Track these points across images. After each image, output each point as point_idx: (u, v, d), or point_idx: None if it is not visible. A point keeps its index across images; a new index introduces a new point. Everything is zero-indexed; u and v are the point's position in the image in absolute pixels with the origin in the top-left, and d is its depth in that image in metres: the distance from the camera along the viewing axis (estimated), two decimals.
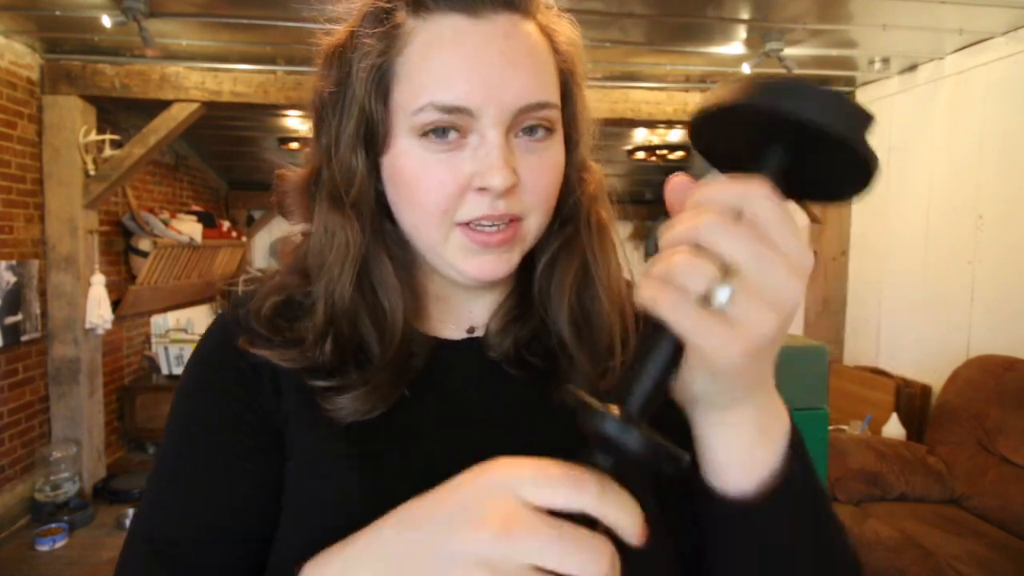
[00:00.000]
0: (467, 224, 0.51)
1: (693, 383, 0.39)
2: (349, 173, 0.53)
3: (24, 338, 3.38)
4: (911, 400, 3.25)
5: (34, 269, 3.46)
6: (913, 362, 3.46)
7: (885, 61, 3.47)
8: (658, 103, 3.85)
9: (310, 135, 0.58)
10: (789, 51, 3.18)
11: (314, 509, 0.51)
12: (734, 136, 0.39)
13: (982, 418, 2.67)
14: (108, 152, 3.63)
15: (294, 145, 4.82)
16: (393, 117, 0.51)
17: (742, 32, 3.08)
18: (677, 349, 0.36)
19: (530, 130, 0.51)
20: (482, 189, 0.49)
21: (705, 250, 0.35)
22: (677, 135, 5.07)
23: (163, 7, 2.82)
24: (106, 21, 2.75)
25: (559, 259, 0.58)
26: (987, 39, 3.04)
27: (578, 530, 0.34)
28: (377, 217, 0.55)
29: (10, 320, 3.28)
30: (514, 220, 0.52)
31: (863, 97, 3.92)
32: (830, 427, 2.26)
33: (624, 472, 0.36)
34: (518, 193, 0.51)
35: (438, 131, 0.49)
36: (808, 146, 0.36)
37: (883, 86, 3.75)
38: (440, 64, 0.49)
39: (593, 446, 0.36)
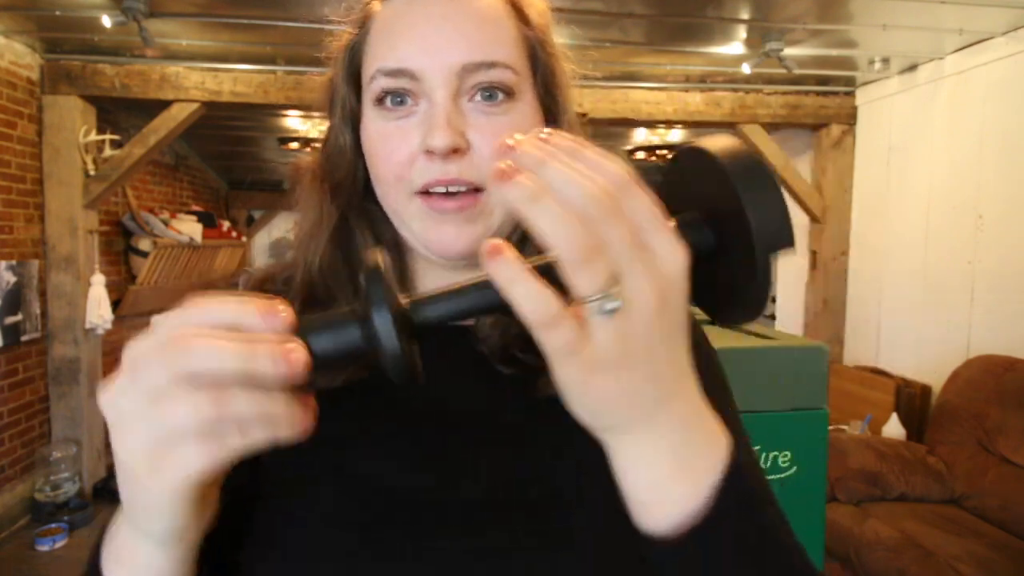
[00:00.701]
0: (424, 192, 0.51)
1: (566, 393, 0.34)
2: (339, 153, 0.56)
3: (24, 338, 3.38)
4: (911, 400, 3.25)
5: (34, 269, 3.46)
6: (913, 362, 3.46)
7: (885, 61, 3.47)
8: (658, 103, 3.85)
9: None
10: (789, 51, 3.18)
11: (285, 494, 0.49)
12: (696, 187, 0.37)
13: (982, 418, 2.67)
14: (108, 152, 3.63)
15: (294, 145, 4.82)
16: (362, 93, 0.54)
17: (742, 32, 3.08)
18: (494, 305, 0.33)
19: (488, 95, 0.50)
20: (429, 152, 0.49)
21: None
22: (677, 135, 5.07)
23: (163, 7, 2.82)
24: (106, 21, 2.75)
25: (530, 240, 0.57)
26: (987, 39, 3.04)
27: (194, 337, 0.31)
28: (361, 197, 0.57)
29: (10, 320, 3.28)
30: (475, 190, 0.50)
31: (863, 97, 3.92)
32: (830, 427, 2.25)
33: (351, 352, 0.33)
34: (472, 159, 0.50)
35: (393, 98, 0.51)
36: (725, 244, 0.35)
37: (883, 86, 3.75)
38: (390, 32, 0.51)
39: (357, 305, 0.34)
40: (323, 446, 0.43)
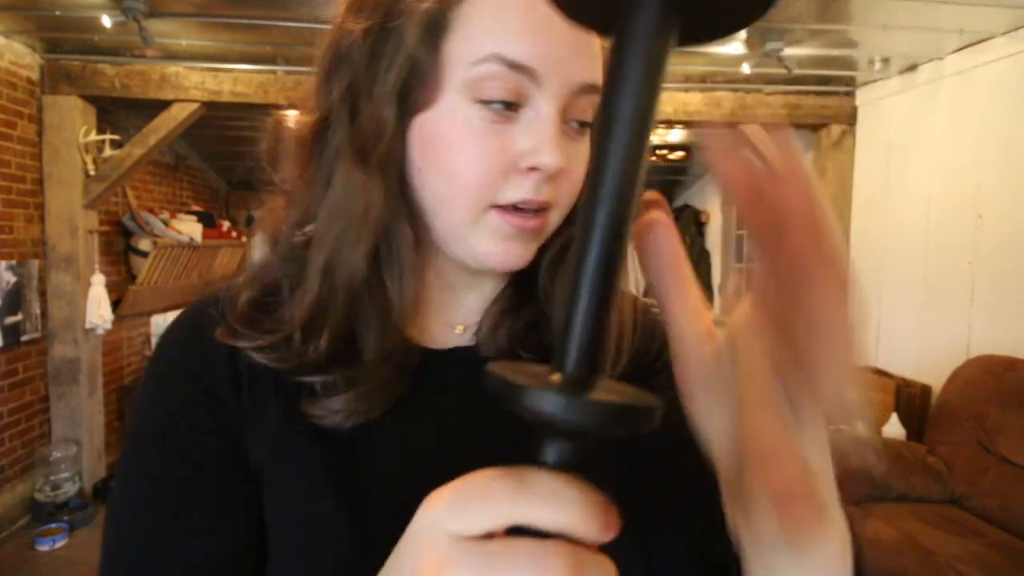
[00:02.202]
0: (503, 207, 0.46)
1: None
2: (379, 128, 0.46)
3: (24, 338, 3.38)
4: (911, 400, 3.24)
5: (34, 269, 3.46)
6: (913, 362, 3.46)
7: (885, 61, 3.47)
8: None
9: (316, 83, 0.50)
10: (789, 51, 3.18)
11: (298, 543, 0.47)
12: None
13: (982, 418, 2.67)
14: (108, 152, 3.63)
15: None
16: (443, 70, 0.45)
17: (742, 32, 3.08)
18: (611, 269, 0.26)
19: (580, 124, 0.48)
20: (532, 169, 0.45)
21: None
22: (677, 135, 5.07)
23: (163, 7, 2.82)
24: (106, 21, 2.75)
25: (567, 256, 0.55)
26: (987, 39, 3.04)
27: (515, 548, 0.25)
28: (400, 183, 0.48)
29: (10, 320, 3.28)
30: (544, 208, 0.48)
31: (863, 97, 3.92)
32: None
33: (581, 456, 0.27)
34: (558, 182, 0.47)
35: (497, 104, 0.45)
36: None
37: (883, 86, 3.75)
38: (511, 17, 0.44)
39: (537, 433, 0.27)
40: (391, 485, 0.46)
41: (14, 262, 3.31)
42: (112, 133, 3.70)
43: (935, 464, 2.72)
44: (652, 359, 0.56)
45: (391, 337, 0.48)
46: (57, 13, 2.92)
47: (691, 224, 6.13)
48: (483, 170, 0.45)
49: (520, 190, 0.46)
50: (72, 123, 3.52)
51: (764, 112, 3.92)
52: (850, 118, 3.98)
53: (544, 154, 0.44)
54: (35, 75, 3.45)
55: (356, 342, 0.48)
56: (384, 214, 0.47)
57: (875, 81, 3.79)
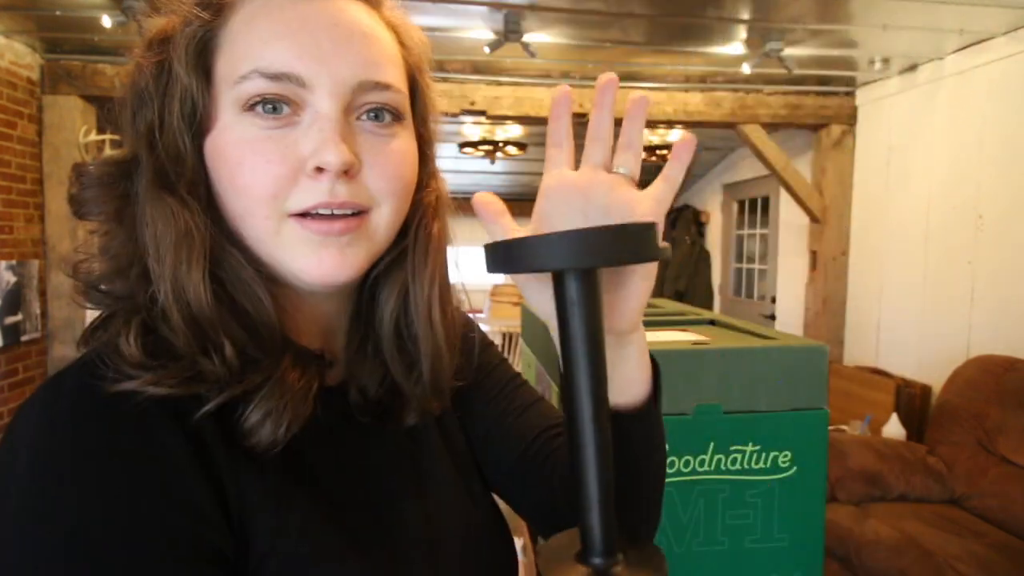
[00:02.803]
0: (302, 215, 0.45)
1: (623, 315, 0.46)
2: (178, 158, 0.46)
3: (24, 338, 3.38)
4: (911, 400, 3.24)
5: (34, 269, 3.46)
6: (913, 362, 3.46)
7: (885, 61, 3.47)
8: (658, 103, 3.85)
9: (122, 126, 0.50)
10: (789, 51, 3.18)
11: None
12: None
13: (982, 418, 2.67)
14: (108, 152, 3.62)
15: None
16: (216, 91, 0.46)
17: (742, 32, 3.08)
18: (604, 448, 0.36)
19: (375, 115, 0.48)
20: (318, 170, 0.44)
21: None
22: (677, 135, 5.07)
23: (163, 7, 2.82)
24: (106, 21, 2.75)
25: (388, 274, 0.53)
26: (987, 39, 3.04)
27: None
28: (211, 207, 0.47)
29: (10, 320, 3.28)
30: (361, 212, 0.47)
31: (863, 97, 3.92)
32: (830, 427, 2.25)
33: None
34: (361, 180, 0.47)
35: (266, 105, 0.44)
36: None
37: (883, 86, 3.75)
38: (267, 28, 0.45)
39: None
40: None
41: (14, 262, 3.31)
42: (112, 133, 3.70)
43: (935, 464, 2.72)
44: (474, 365, 0.65)
45: (274, 346, 0.47)
46: (57, 13, 2.92)
47: (691, 224, 6.13)
48: (269, 178, 0.44)
49: (312, 193, 0.45)
50: (72, 123, 3.52)
51: (764, 112, 3.93)
52: (850, 118, 3.98)
53: (324, 152, 0.44)
54: (35, 75, 3.46)
55: (250, 357, 0.46)
56: (206, 237, 0.45)
57: (875, 81, 3.79)
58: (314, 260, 0.46)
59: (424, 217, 0.54)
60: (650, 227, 0.36)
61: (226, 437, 0.44)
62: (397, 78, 0.49)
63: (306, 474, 0.48)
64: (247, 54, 0.45)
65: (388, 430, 0.55)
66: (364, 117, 0.47)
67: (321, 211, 0.45)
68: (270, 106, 0.45)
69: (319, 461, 0.50)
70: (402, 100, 0.49)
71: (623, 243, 0.35)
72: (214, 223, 0.47)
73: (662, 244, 0.39)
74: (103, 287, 0.48)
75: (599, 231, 0.34)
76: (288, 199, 0.45)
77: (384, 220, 0.49)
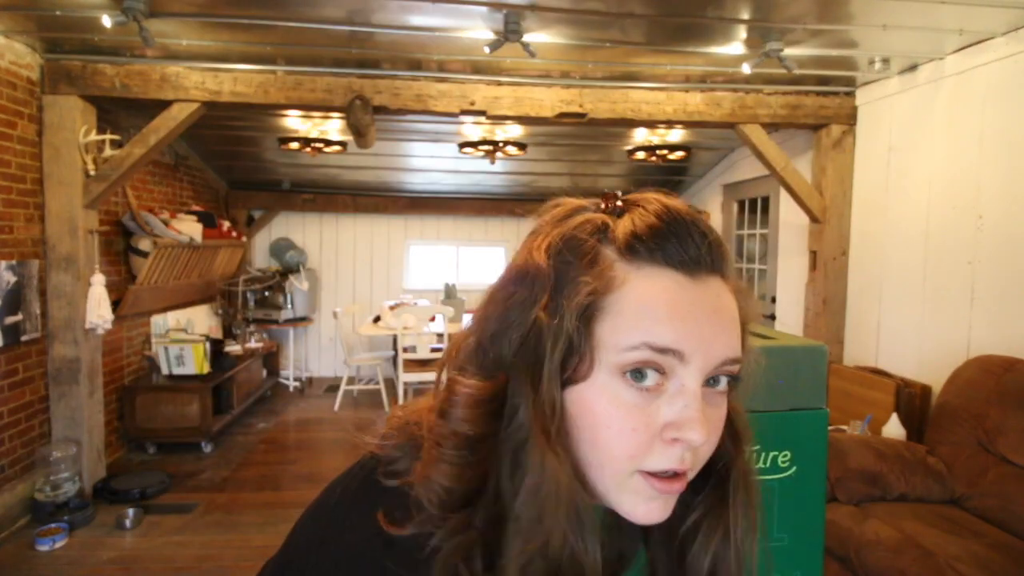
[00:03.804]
0: (649, 472, 0.50)
1: None
2: (552, 406, 0.50)
3: (24, 338, 3.38)
4: (911, 400, 3.25)
5: (34, 269, 3.46)
6: (913, 362, 3.46)
7: (885, 61, 3.47)
8: (658, 103, 3.85)
9: (484, 332, 0.53)
10: (789, 51, 3.18)
11: None
12: None
13: (982, 418, 2.67)
14: (108, 152, 3.63)
15: (294, 145, 4.83)
16: (594, 351, 0.50)
17: (742, 32, 3.08)
18: None
19: (714, 380, 0.52)
20: (675, 440, 0.49)
21: None
22: (677, 135, 5.07)
23: (163, 7, 2.82)
24: (106, 21, 2.75)
25: (706, 520, 0.59)
26: (987, 39, 3.04)
27: None
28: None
29: (10, 320, 3.28)
30: (686, 472, 0.52)
31: (863, 97, 3.92)
32: (830, 427, 2.25)
33: None
34: (699, 448, 0.51)
35: (637, 373, 0.49)
36: None
37: (883, 86, 3.75)
38: (660, 309, 0.49)
39: None
40: None
41: (14, 262, 3.31)
42: (112, 133, 3.70)
43: (935, 464, 2.72)
44: None
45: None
46: (57, 13, 2.92)
47: None
48: (632, 444, 0.49)
49: (665, 459, 0.49)
50: (72, 123, 3.52)
51: (764, 112, 3.93)
52: (850, 118, 3.98)
53: (691, 431, 0.49)
54: (35, 75, 3.46)
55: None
56: (572, 489, 0.49)
57: (875, 81, 3.79)
58: (644, 508, 0.51)
59: (745, 462, 0.60)
60: None
61: None
62: (742, 348, 0.54)
63: None
64: (637, 327, 0.49)
65: None
66: (709, 385, 0.52)
67: (667, 473, 0.50)
68: (643, 374, 0.49)
69: None
70: (739, 369, 0.54)
71: None
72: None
73: None
74: (435, 511, 0.49)
75: None
76: (644, 460, 0.50)
77: (693, 475, 0.53)
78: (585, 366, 0.50)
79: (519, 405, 0.50)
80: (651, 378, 0.49)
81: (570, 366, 0.50)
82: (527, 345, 0.50)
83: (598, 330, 0.50)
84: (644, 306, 0.49)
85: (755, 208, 5.27)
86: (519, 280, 0.53)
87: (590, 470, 0.51)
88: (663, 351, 0.48)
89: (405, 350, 5.53)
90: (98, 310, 3.59)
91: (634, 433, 0.49)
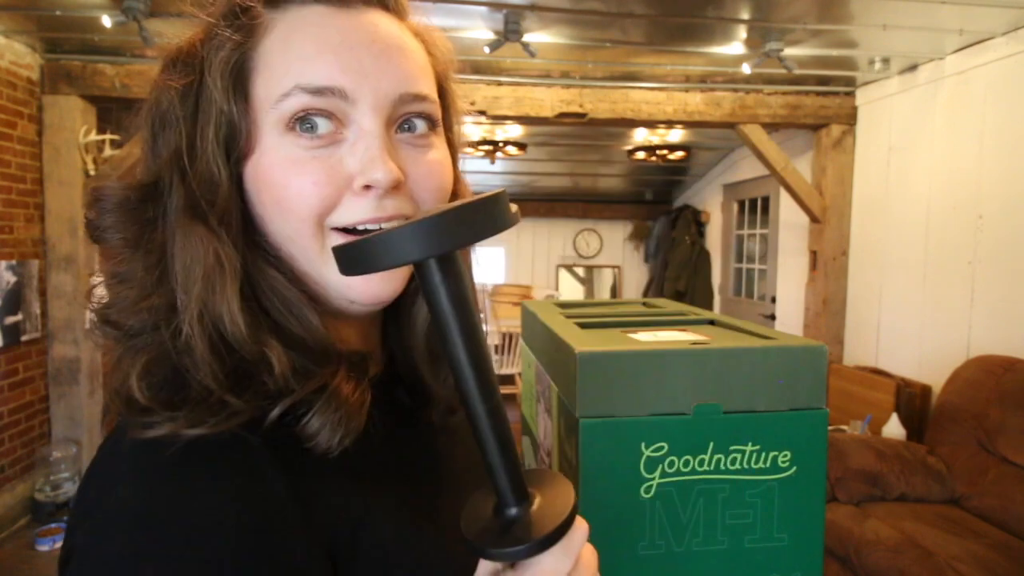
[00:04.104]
0: (346, 229, 0.45)
1: None
2: (212, 185, 0.45)
3: (24, 338, 3.38)
4: (911, 400, 3.25)
5: (34, 269, 3.46)
6: (913, 362, 3.46)
7: (885, 61, 3.47)
8: (658, 103, 3.85)
9: (141, 145, 0.50)
10: (789, 51, 3.18)
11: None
12: None
13: (982, 418, 2.67)
14: (108, 152, 3.63)
15: None
16: (256, 114, 0.45)
17: (742, 32, 3.08)
18: (495, 414, 0.39)
19: (409, 126, 0.48)
20: (366, 187, 0.44)
21: None
22: (677, 135, 5.07)
23: (163, 7, 2.82)
24: (106, 21, 2.75)
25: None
26: (987, 39, 3.04)
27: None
28: (248, 233, 0.47)
29: (10, 320, 3.28)
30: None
31: (863, 97, 3.92)
32: (830, 427, 2.25)
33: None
34: (407, 192, 0.47)
35: (308, 123, 0.44)
36: None
37: (883, 86, 3.75)
38: (306, 45, 0.44)
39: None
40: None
41: (14, 262, 3.31)
42: (112, 133, 3.70)
43: (935, 464, 2.72)
44: None
45: (323, 357, 0.46)
46: (57, 13, 2.92)
47: (691, 224, 6.13)
48: (315, 198, 0.44)
49: (358, 210, 0.45)
50: (72, 123, 3.52)
51: (764, 112, 3.93)
52: (850, 118, 3.98)
53: (372, 170, 0.44)
54: (35, 75, 3.46)
55: (302, 370, 0.45)
56: (237, 267, 0.44)
57: (875, 81, 3.79)
58: (360, 282, 0.46)
59: None
60: (499, 196, 0.35)
61: (296, 452, 0.43)
62: (430, 88, 0.50)
63: (382, 474, 0.49)
64: (287, 71, 0.44)
65: (423, 429, 0.56)
66: (399, 129, 0.48)
67: (369, 226, 0.45)
68: (312, 124, 0.44)
69: (387, 461, 0.51)
70: (436, 109, 0.50)
71: (481, 217, 0.34)
72: (253, 248, 0.46)
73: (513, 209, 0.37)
74: (113, 318, 0.45)
75: (453, 211, 0.33)
76: (334, 215, 0.45)
77: None
78: (252, 135, 0.45)
79: (172, 194, 0.45)
80: (323, 126, 0.44)
81: (238, 141, 0.45)
82: (173, 129, 0.46)
83: (255, 91, 0.45)
84: (291, 47, 0.45)
85: (755, 208, 5.27)
86: (167, 67, 0.48)
87: (291, 244, 0.46)
88: (319, 91, 0.44)
89: None
90: None
91: (316, 187, 0.44)
